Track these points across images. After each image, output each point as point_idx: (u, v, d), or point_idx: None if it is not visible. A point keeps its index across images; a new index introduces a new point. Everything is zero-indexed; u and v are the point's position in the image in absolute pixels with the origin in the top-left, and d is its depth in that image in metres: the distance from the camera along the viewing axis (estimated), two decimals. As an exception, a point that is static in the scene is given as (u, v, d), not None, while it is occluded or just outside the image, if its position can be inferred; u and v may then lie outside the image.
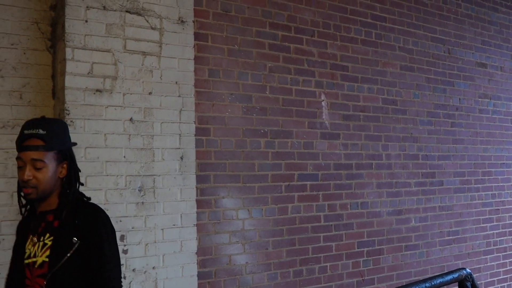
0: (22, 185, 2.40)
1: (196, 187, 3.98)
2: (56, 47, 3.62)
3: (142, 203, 3.67)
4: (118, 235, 3.56)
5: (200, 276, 3.99)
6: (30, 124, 2.40)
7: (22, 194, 2.45)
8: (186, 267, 3.83)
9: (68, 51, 3.48)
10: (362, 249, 5.06)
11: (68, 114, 3.46)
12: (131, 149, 3.64)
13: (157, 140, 3.73)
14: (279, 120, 4.60)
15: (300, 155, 4.69)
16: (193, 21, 4.02)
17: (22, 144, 2.37)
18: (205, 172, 4.16)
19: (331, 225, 4.85)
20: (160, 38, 3.80)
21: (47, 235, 2.43)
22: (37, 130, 2.36)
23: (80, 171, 2.56)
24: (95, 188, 3.52)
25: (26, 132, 2.38)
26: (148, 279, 3.69)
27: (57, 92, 3.58)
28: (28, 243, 2.47)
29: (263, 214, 4.45)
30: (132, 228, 3.63)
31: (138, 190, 3.65)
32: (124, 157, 3.62)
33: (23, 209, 2.57)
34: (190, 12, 3.96)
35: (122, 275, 3.60)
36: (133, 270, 3.64)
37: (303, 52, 4.76)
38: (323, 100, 4.85)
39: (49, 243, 2.40)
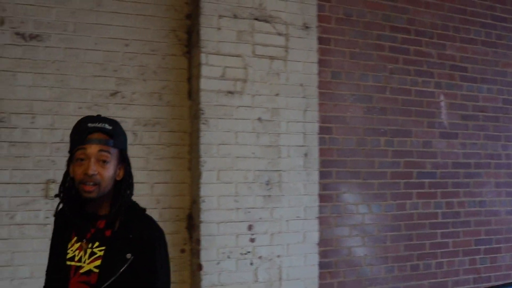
0: (82, 181, 2.19)
1: (319, 182, 4.22)
2: (191, 53, 3.98)
3: (269, 196, 3.96)
4: (246, 225, 3.90)
5: (321, 265, 4.23)
6: (93, 118, 2.28)
7: (75, 191, 2.22)
8: (309, 257, 4.09)
9: (202, 56, 3.84)
10: (479, 247, 5.11)
11: (203, 114, 3.81)
12: (259, 146, 3.94)
13: (283, 138, 4.01)
14: (399, 120, 4.76)
15: (419, 153, 4.83)
16: (317, 27, 4.26)
17: (87, 136, 2.20)
18: (327, 169, 4.40)
19: (449, 222, 4.95)
20: (286, 43, 4.07)
21: (97, 243, 2.25)
22: (103, 125, 2.22)
23: (132, 178, 2.35)
24: (226, 181, 3.86)
25: (91, 125, 2.22)
26: (273, 266, 3.97)
27: (192, 93, 3.94)
28: (72, 244, 2.27)
29: (382, 210, 4.63)
30: (260, 218, 3.94)
31: (265, 184, 3.95)
32: (253, 153, 3.93)
33: (66, 209, 2.31)
34: (313, 18, 4.21)
35: (249, 262, 3.91)
36: (259, 257, 3.94)
37: (422, 53, 4.89)
38: (442, 100, 4.96)
39: (99, 253, 2.23)
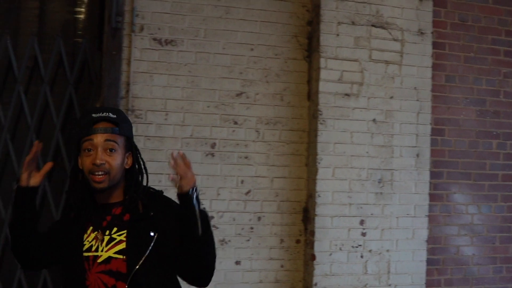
0: (91, 171, 2.20)
1: (430, 182, 4.39)
2: (311, 57, 4.24)
3: (381, 193, 4.18)
4: (358, 220, 4.14)
5: (429, 262, 4.40)
6: (96, 109, 2.32)
7: (89, 182, 2.22)
8: (417, 253, 4.28)
9: (322, 61, 4.11)
10: None
11: (321, 114, 4.08)
12: (373, 146, 4.17)
13: (396, 139, 4.21)
14: (512, 123, 4.83)
15: (532, 157, 4.87)
16: (432, 32, 4.42)
17: (92, 126, 2.22)
18: (438, 169, 4.54)
19: (560, 226, 4.96)
20: (401, 49, 4.26)
21: (115, 229, 2.27)
22: (107, 114, 2.25)
23: (144, 164, 2.41)
24: (341, 178, 4.11)
25: (94, 115, 2.24)
26: (382, 260, 4.19)
27: (311, 95, 4.21)
28: (87, 235, 2.29)
29: (492, 211, 4.73)
30: (371, 214, 4.17)
31: (378, 182, 4.17)
32: (367, 152, 4.16)
33: (77, 201, 2.32)
34: (428, 24, 4.37)
35: (360, 255, 4.15)
36: (370, 251, 4.17)
37: (538, 58, 4.92)
38: (556, 106, 4.97)
39: (118, 238, 2.25)
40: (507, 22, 4.84)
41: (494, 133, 4.75)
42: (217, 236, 4.01)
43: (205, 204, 4.03)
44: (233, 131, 4.11)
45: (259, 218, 4.15)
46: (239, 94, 4.12)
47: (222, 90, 4.11)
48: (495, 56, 4.79)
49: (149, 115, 4.00)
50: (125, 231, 2.25)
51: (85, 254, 2.25)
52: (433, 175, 4.48)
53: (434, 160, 4.51)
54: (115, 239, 2.24)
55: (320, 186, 4.09)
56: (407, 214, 4.26)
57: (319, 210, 4.08)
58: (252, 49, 4.15)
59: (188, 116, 4.06)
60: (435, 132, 4.50)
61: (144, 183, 2.38)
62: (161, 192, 2.43)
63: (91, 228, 2.29)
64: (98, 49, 4.07)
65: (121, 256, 2.21)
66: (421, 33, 4.33)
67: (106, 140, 2.21)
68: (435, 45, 4.52)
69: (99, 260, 2.23)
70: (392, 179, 4.20)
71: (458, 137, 4.63)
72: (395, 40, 4.25)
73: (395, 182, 4.21)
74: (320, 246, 4.10)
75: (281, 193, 4.19)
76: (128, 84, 3.95)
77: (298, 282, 4.21)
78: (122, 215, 2.28)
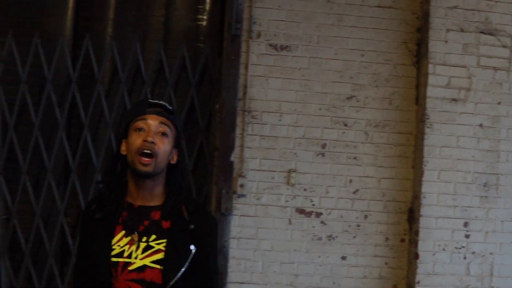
0: (140, 149, 2.10)
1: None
2: (420, 63, 4.39)
3: (486, 197, 4.29)
4: (462, 222, 4.26)
5: (532, 266, 4.47)
6: (151, 98, 2.30)
7: (134, 165, 2.10)
8: (521, 257, 4.37)
9: (430, 66, 4.25)
10: None
11: (428, 119, 4.23)
12: (479, 150, 4.28)
13: (503, 144, 4.30)
14: None
15: None
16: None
17: (148, 108, 2.17)
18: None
19: None
20: (510, 55, 4.34)
21: (153, 236, 2.14)
22: (165, 104, 2.20)
23: (185, 167, 2.34)
24: (446, 180, 4.25)
25: (151, 101, 2.21)
26: (485, 262, 4.30)
27: (419, 99, 4.36)
28: (120, 239, 2.15)
29: None
30: (475, 217, 4.28)
31: (483, 185, 4.28)
32: (473, 156, 4.27)
33: (111, 199, 2.19)
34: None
35: (463, 256, 4.27)
36: (473, 252, 4.28)
37: None
38: None
39: (157, 246, 2.13)
40: None
41: None
42: (325, 232, 4.28)
43: (315, 202, 4.26)
44: (343, 132, 4.31)
45: (365, 216, 4.34)
46: (349, 98, 4.32)
47: (333, 93, 4.32)
48: None
49: (264, 116, 4.26)
50: (165, 240, 2.13)
51: (114, 259, 2.12)
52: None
53: None
54: (153, 247, 2.13)
55: (426, 187, 4.24)
56: (512, 219, 4.35)
57: (424, 211, 4.23)
58: (362, 55, 4.34)
59: (300, 118, 4.29)
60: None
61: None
62: (203, 203, 2.38)
63: (123, 232, 2.16)
64: (218, 54, 4.36)
65: (158, 266, 2.10)
66: (531, 39, 4.40)
67: (161, 122, 2.14)
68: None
69: (131, 268, 2.11)
70: (498, 183, 4.30)
71: None
72: (503, 46, 4.33)
73: (500, 186, 4.31)
74: (424, 246, 4.24)
75: (388, 193, 4.36)
76: (245, 87, 4.23)
77: (401, 279, 4.37)
78: (161, 221, 2.16)
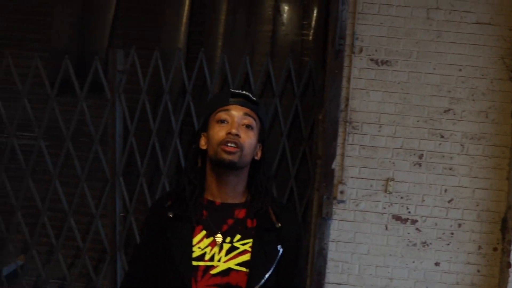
0: (223, 142, 1.93)
1: None
2: (517, 78, 4.54)
3: None
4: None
5: None
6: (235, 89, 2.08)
7: (217, 155, 1.94)
8: None
9: (527, 82, 4.40)
10: None
11: (524, 132, 4.38)
12: None
13: None
14: None
15: None
16: None
17: (231, 98, 2.01)
18: None
19: None
20: None
21: (238, 236, 1.98)
22: (248, 94, 2.04)
23: (270, 165, 2.10)
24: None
25: (234, 91, 2.04)
26: None
27: (515, 114, 4.52)
28: (200, 240, 1.97)
29: None
30: None
31: None
32: None
33: (190, 195, 2.02)
34: None
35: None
36: None
37: None
38: None
39: (242, 247, 1.96)
40: None
41: None
42: (419, 238, 4.47)
43: (411, 209, 4.48)
44: (440, 144, 4.50)
45: (459, 225, 4.52)
46: (446, 111, 4.51)
47: (431, 106, 4.51)
48: None
49: (364, 127, 4.50)
50: (250, 240, 1.97)
51: (195, 263, 1.93)
52: None
53: None
54: (238, 248, 1.96)
55: (520, 199, 4.40)
56: None
57: (518, 221, 4.39)
58: (460, 70, 4.52)
59: (399, 129, 4.51)
60: None
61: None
62: (287, 204, 2.15)
63: (204, 232, 1.98)
64: (321, 68, 4.63)
65: (244, 269, 1.93)
66: None
67: (245, 113, 1.99)
68: None
69: (214, 271, 1.93)
70: None
71: None
72: None
73: None
74: (517, 255, 4.40)
75: (482, 203, 4.52)
76: (347, 99, 4.48)
77: (493, 287, 4.53)
78: (246, 219, 2.01)
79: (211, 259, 1.93)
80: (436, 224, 4.53)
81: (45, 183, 4.69)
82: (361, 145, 4.51)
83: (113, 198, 4.56)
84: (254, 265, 1.93)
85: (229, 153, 1.91)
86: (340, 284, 4.53)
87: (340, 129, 4.49)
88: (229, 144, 1.91)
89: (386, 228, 4.52)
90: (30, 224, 4.73)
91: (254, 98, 2.04)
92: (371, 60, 4.52)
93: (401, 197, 4.52)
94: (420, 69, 4.53)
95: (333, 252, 4.51)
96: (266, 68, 4.61)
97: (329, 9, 4.60)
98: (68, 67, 4.47)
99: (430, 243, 4.54)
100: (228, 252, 1.95)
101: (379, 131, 4.51)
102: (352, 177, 4.51)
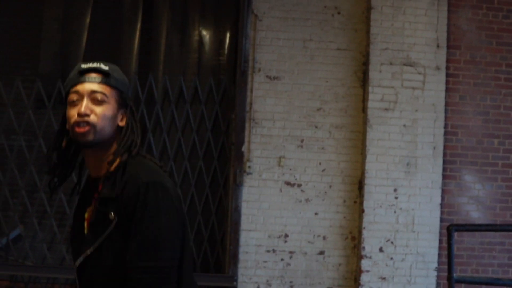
0: (74, 123, 1.97)
1: (444, 167, 6.66)
2: None
3: None
4: None
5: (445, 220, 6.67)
6: (87, 61, 2.07)
7: (70, 137, 2.06)
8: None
9: None
10: None
11: None
12: None
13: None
14: (510, 127, 6.99)
15: (521, 150, 6.99)
16: (446, 67, 6.73)
17: (80, 77, 2.01)
18: (453, 158, 6.73)
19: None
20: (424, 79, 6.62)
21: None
22: (98, 64, 2.04)
23: (140, 127, 2.19)
24: None
25: (84, 66, 2.03)
26: None
27: None
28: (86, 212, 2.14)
29: (494, 188, 6.94)
30: None
31: None
32: None
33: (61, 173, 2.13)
34: (443, 62, 6.68)
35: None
36: None
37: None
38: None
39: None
40: (506, 58, 7.04)
41: (496, 134, 6.92)
42: (303, 196, 6.45)
43: (297, 177, 6.54)
44: (315, 132, 6.52)
45: (330, 186, 6.46)
46: (319, 109, 6.54)
47: (308, 106, 6.61)
48: (497, 82, 6.98)
49: (263, 122, 6.45)
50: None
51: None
52: (448, 162, 6.72)
53: (450, 152, 6.77)
54: None
55: None
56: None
57: None
58: (327, 81, 6.60)
59: (287, 123, 6.63)
60: (448, 133, 6.76)
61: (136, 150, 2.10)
62: (153, 174, 2.03)
63: (85, 204, 2.17)
64: (233, 82, 6.55)
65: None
66: (437, 68, 6.65)
67: (92, 91, 1.99)
68: (452, 75, 6.79)
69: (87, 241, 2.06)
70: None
71: (468, 136, 6.88)
72: (419, 73, 6.63)
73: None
74: None
75: (345, 171, 6.36)
76: (251, 103, 6.47)
77: (355, 227, 6.64)
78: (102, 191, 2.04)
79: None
80: (314, 187, 6.47)
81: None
82: (261, 134, 6.51)
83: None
84: (90, 232, 2.01)
85: (82, 134, 1.96)
86: (250, 230, 6.44)
87: (247, 124, 6.47)
88: (80, 125, 1.95)
89: (281, 191, 6.43)
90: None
91: (106, 68, 2.04)
92: (266, 76, 6.56)
93: (290, 169, 6.39)
94: (299, 81, 6.55)
95: (245, 208, 6.22)
96: (195, 84, 6.66)
97: (237, 41, 6.69)
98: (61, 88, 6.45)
99: (311, 200, 6.27)
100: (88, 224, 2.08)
101: (273, 124, 6.51)
102: (256, 157, 6.52)
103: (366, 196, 6.26)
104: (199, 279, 6.10)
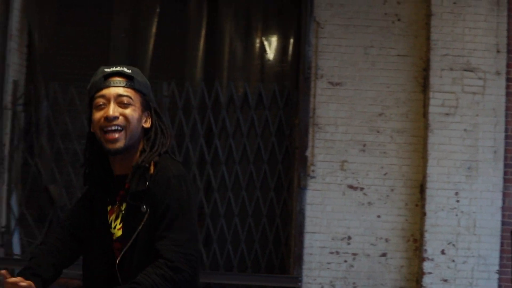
0: (103, 128, 2.02)
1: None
2: None
3: None
4: None
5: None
6: (110, 66, 2.13)
7: (102, 143, 2.08)
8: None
9: None
10: None
11: None
12: None
13: (478, 142, 6.64)
14: None
15: None
16: (506, 72, 6.82)
17: (104, 81, 2.06)
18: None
19: None
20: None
21: (125, 204, 2.13)
22: (122, 68, 2.09)
23: (167, 128, 2.23)
24: None
25: (107, 70, 2.09)
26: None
27: None
28: (106, 209, 2.20)
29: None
30: None
31: None
32: None
33: (94, 174, 2.22)
34: (503, 67, 6.76)
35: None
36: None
37: None
38: None
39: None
40: None
41: None
42: (366, 199, 6.61)
43: (359, 180, 6.68)
44: (377, 136, 6.69)
45: (392, 190, 6.53)
46: (380, 114, 6.67)
47: (369, 112, 6.74)
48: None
49: (326, 127, 6.56)
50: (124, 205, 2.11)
51: (111, 230, 2.15)
52: (510, 165, 6.76)
53: (511, 156, 6.79)
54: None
55: None
56: None
57: None
58: (388, 87, 6.65)
59: (349, 128, 6.75)
60: (508, 137, 6.83)
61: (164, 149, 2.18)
62: (179, 168, 2.12)
63: (108, 201, 2.20)
64: (296, 88, 6.77)
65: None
66: (498, 73, 6.73)
67: (119, 95, 2.05)
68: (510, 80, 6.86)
69: (114, 238, 2.14)
70: None
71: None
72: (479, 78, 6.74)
73: None
74: None
75: (406, 175, 6.46)
76: (314, 109, 6.65)
77: (416, 230, 6.77)
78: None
79: (110, 226, 2.15)
80: (376, 190, 6.56)
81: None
82: (324, 139, 6.67)
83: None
84: (124, 227, 2.07)
85: (113, 141, 2.01)
86: (314, 232, 6.58)
87: (310, 129, 6.62)
88: (110, 129, 2.00)
89: (344, 194, 6.57)
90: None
91: (129, 71, 2.09)
92: (329, 82, 6.72)
93: (352, 173, 6.43)
94: (361, 87, 6.68)
95: (308, 211, 6.30)
96: (259, 90, 6.85)
97: (299, 48, 6.86)
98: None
99: (373, 203, 6.30)
100: (121, 220, 2.12)
101: (336, 129, 6.66)
102: (319, 161, 6.68)
103: (427, 199, 6.35)
104: (264, 280, 6.38)
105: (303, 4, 6.65)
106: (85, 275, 2.20)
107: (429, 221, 6.45)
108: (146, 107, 2.15)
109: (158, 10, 6.84)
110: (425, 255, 6.46)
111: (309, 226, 6.55)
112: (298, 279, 6.46)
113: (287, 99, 6.65)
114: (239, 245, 6.66)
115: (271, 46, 6.95)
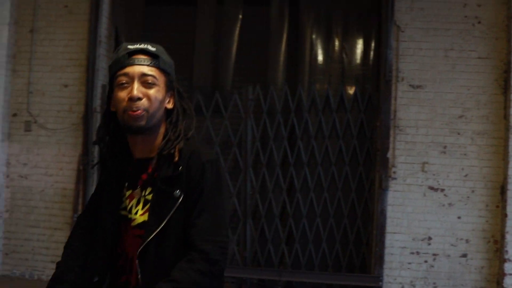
0: (127, 108, 1.94)
1: None
2: None
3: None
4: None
5: None
6: (134, 42, 2.05)
7: (124, 122, 1.98)
8: None
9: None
10: None
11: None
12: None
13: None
14: None
15: None
16: None
17: (128, 59, 1.97)
18: None
19: None
20: None
21: (149, 189, 2.02)
22: (146, 46, 2.01)
23: (190, 109, 2.13)
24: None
25: (131, 47, 2.00)
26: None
27: None
28: (124, 193, 2.09)
29: None
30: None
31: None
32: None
33: (109, 153, 2.11)
34: None
35: None
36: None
37: None
38: None
39: (149, 198, 2.02)
40: None
41: None
42: (446, 201, 6.73)
43: (440, 182, 6.78)
44: (457, 138, 6.79)
45: (472, 191, 6.64)
46: (460, 116, 6.76)
47: (450, 114, 6.81)
48: None
49: (407, 129, 6.76)
50: (152, 190, 2.01)
51: (122, 212, 2.07)
52: None
53: None
54: (149, 201, 2.02)
55: None
56: None
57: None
58: (468, 89, 6.76)
59: (429, 130, 6.86)
60: None
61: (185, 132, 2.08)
62: (212, 153, 2.10)
63: (127, 185, 2.09)
64: (377, 91, 6.98)
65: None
66: None
67: (143, 74, 1.97)
68: None
69: (133, 224, 2.03)
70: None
71: None
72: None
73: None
74: None
75: (487, 176, 6.56)
76: (395, 111, 6.83)
77: (497, 231, 6.84)
78: (154, 172, 2.03)
79: (130, 211, 2.03)
80: (457, 191, 6.73)
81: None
82: (405, 141, 6.83)
83: (245, 182, 6.98)
84: (151, 213, 1.97)
85: (135, 118, 1.93)
86: (395, 233, 6.78)
87: (391, 131, 6.82)
88: (134, 108, 1.92)
89: (424, 195, 6.77)
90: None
91: (154, 49, 2.01)
92: (409, 85, 6.87)
93: (433, 174, 6.76)
94: (442, 89, 6.83)
95: (390, 212, 6.70)
96: (340, 93, 7.01)
97: (380, 52, 7.00)
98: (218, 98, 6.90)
99: (454, 204, 6.64)
100: (144, 205, 2.01)
101: (417, 131, 6.82)
102: (400, 162, 6.84)
103: (509, 201, 6.48)
104: (346, 279, 6.54)
105: (384, 8, 6.77)
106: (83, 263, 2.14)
107: (510, 223, 6.55)
108: (169, 87, 2.06)
109: (240, 16, 7.05)
110: (506, 256, 6.55)
111: (390, 226, 6.68)
112: (379, 278, 6.59)
113: (368, 101, 6.87)
114: (321, 245, 6.83)
115: (351, 50, 7.10)
